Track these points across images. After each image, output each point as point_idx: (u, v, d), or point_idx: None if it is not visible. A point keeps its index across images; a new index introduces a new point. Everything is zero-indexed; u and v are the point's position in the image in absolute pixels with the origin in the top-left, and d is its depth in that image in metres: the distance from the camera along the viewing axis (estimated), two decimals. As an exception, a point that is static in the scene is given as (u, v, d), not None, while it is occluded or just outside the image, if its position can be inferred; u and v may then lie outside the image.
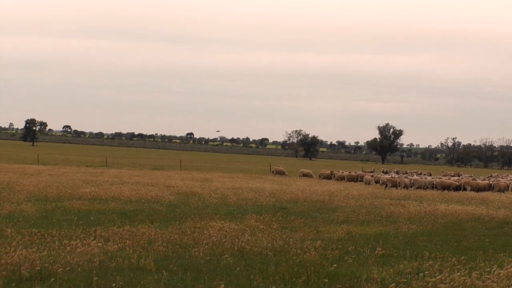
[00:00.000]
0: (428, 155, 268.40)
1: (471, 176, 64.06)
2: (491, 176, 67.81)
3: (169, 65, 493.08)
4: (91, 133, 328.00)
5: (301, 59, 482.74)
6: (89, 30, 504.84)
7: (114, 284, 13.28)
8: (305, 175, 67.65)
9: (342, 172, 66.74)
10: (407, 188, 49.81)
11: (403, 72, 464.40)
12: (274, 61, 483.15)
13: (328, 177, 65.11)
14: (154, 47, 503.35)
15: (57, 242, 17.73)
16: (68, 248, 16.93)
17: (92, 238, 18.92)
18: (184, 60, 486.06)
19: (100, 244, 17.63)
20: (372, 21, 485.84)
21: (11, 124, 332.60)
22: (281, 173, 70.15)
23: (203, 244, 18.59)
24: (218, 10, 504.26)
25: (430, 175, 69.75)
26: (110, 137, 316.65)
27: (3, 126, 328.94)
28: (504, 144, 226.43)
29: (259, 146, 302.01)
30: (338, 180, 62.40)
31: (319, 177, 65.84)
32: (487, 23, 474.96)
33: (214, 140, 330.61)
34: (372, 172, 70.21)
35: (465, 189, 50.74)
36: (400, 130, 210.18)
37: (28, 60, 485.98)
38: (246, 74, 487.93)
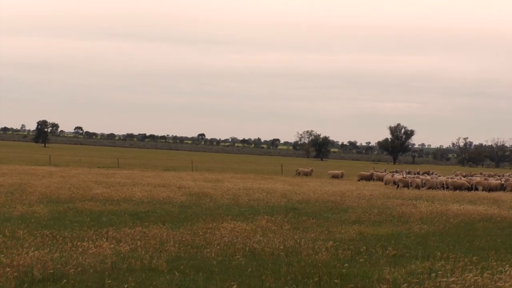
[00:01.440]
0: (439, 155, 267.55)
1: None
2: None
3: (181, 66, 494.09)
4: (102, 134, 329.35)
5: (312, 60, 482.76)
6: (100, 31, 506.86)
7: (126, 285, 13.31)
8: (334, 176, 67.50)
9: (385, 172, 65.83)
10: (418, 188, 49.70)
11: (414, 72, 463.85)
12: (285, 62, 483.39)
13: (368, 178, 64.24)
14: (166, 48, 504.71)
15: (69, 244, 17.79)
16: (80, 249, 16.99)
17: (104, 239, 18.97)
18: (195, 61, 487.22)
19: (112, 245, 17.69)
20: (383, 21, 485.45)
21: (23, 125, 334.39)
22: (306, 174, 70.33)
23: (215, 245, 18.61)
24: (230, 10, 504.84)
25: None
26: (121, 138, 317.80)
27: (15, 128, 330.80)
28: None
29: (271, 147, 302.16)
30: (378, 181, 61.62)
31: (358, 179, 64.96)
32: (499, 23, 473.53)
33: (226, 140, 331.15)
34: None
35: (476, 189, 50.57)
36: (411, 130, 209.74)
37: (39, 62, 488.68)
38: (257, 74, 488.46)
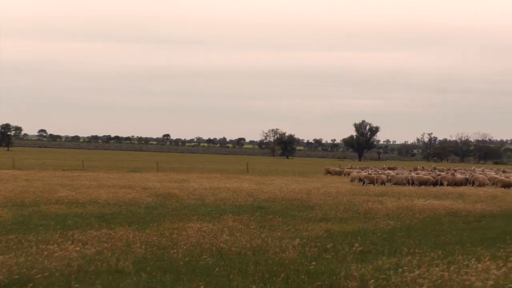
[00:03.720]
0: (404, 151, 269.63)
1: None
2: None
3: (145, 66, 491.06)
4: (67, 137, 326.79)
5: (276, 58, 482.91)
6: (64, 33, 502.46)
7: (93, 288, 13.22)
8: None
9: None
10: (384, 184, 49.98)
11: (378, 69, 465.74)
12: (250, 60, 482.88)
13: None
14: (128, 48, 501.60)
15: (34, 247, 17.63)
16: (46, 253, 16.82)
17: (70, 242, 18.81)
18: (159, 61, 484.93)
19: (78, 248, 17.57)
20: (348, 19, 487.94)
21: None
22: (338, 173, 70.57)
23: (182, 245, 18.55)
24: (195, 10, 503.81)
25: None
26: (86, 140, 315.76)
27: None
28: (480, 139, 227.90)
29: (236, 146, 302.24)
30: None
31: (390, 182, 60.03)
32: (463, 18, 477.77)
33: (191, 141, 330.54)
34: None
35: (442, 184, 50.99)
36: (376, 126, 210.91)
37: (1, 64, 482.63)
38: (222, 74, 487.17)
